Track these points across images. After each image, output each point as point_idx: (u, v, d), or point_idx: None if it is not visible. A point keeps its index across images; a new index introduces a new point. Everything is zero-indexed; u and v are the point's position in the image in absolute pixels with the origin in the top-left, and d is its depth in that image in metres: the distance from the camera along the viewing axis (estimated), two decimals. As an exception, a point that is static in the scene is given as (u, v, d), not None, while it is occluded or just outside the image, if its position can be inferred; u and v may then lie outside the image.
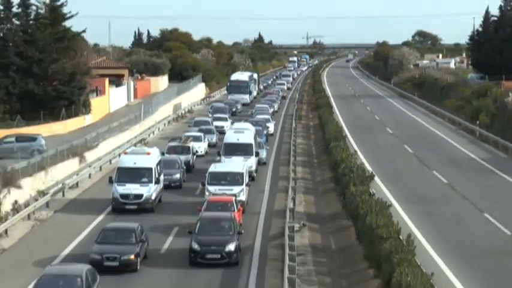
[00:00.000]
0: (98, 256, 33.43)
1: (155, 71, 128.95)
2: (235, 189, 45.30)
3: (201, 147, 65.76)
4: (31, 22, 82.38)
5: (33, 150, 57.73)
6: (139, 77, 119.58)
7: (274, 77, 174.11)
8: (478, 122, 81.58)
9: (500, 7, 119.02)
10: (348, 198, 42.92)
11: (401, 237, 33.05)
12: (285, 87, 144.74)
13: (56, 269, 29.69)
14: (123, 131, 73.63)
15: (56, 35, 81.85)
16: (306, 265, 35.76)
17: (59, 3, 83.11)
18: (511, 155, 67.18)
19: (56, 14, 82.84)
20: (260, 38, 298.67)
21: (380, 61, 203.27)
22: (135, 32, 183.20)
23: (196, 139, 65.88)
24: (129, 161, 46.83)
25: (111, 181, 46.15)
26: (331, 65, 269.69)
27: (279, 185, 54.04)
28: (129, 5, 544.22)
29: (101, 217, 43.93)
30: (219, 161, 54.62)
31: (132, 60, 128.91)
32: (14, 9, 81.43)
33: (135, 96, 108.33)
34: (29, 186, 48.35)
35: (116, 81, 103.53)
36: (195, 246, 34.94)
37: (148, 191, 45.21)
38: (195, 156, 60.55)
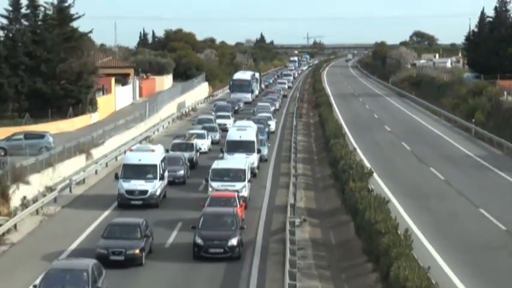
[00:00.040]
0: (104, 250, 33.43)
1: (160, 71, 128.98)
2: (238, 185, 45.30)
3: (204, 144, 65.77)
4: (39, 23, 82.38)
5: (41, 147, 57.78)
6: (145, 76, 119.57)
7: (276, 76, 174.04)
8: (473, 120, 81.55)
9: (496, 8, 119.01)
10: (347, 194, 42.90)
11: (399, 232, 33.02)
12: (286, 86, 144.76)
13: (63, 263, 29.66)
14: (129, 129, 73.63)
15: (64, 35, 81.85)
16: (307, 259, 35.74)
17: (66, 4, 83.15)
18: (505, 152, 67.14)
19: (63, 15, 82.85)
20: (262, 38, 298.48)
21: (378, 61, 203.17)
22: (140, 33, 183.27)
23: (200, 136, 65.89)
24: (135, 158, 46.81)
25: (117, 177, 46.11)
26: (331, 65, 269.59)
27: (280, 181, 54.02)
28: (134, 6, 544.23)
29: (107, 212, 43.93)
30: (222, 157, 54.58)
31: (138, 59, 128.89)
32: (23, 11, 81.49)
33: (141, 95, 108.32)
34: (37, 182, 48.34)
35: (122, 80, 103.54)
36: (199, 240, 34.92)
37: (153, 187, 45.19)
38: (198, 153, 60.51)
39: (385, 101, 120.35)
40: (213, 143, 68.85)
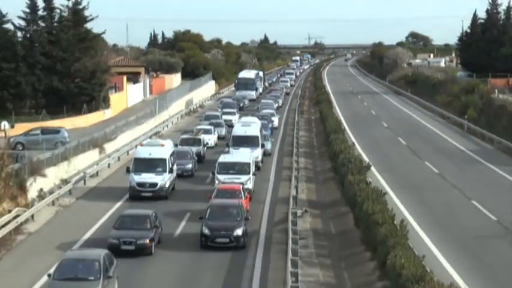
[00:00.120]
0: (115, 240, 33.39)
1: (169, 69, 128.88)
2: (243, 178, 45.24)
3: (211, 139, 65.70)
4: (55, 24, 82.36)
5: (57, 142, 57.81)
6: (155, 75, 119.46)
7: (279, 75, 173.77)
8: (466, 116, 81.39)
9: (487, 10, 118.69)
10: (347, 186, 42.85)
11: (395, 222, 32.96)
12: (289, 84, 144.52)
13: (76, 253, 29.62)
14: (140, 125, 73.59)
15: (78, 36, 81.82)
16: (308, 248, 35.69)
17: (80, 6, 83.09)
18: (496, 146, 67.02)
19: (78, 17, 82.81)
20: (266, 39, 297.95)
21: (376, 60, 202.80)
22: (150, 34, 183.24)
23: (207, 132, 65.82)
24: (145, 152, 46.77)
25: (128, 171, 46.07)
26: (331, 64, 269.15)
27: (283, 174, 53.95)
28: (145, 8, 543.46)
29: (119, 204, 43.90)
30: (228, 152, 54.47)
31: (148, 59, 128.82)
32: (40, 13, 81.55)
33: (151, 93, 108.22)
34: (53, 175, 48.33)
35: (133, 78, 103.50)
36: (206, 231, 34.87)
37: (163, 179, 45.16)
38: (205, 148, 60.43)
39: (382, 99, 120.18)
40: (219, 138, 68.81)
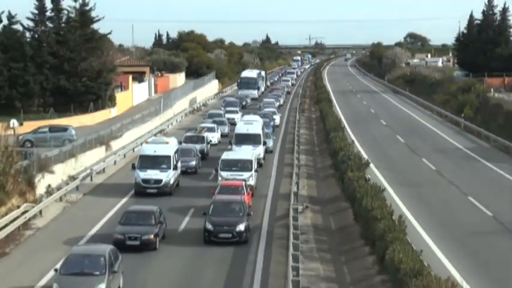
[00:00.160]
0: (121, 236, 33.37)
1: (173, 69, 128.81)
2: (245, 174, 45.24)
3: (214, 137, 65.69)
4: (63, 25, 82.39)
5: (64, 140, 57.86)
6: (159, 74, 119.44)
7: (280, 74, 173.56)
8: (462, 114, 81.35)
9: (483, 12, 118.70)
10: (346, 183, 42.80)
11: (393, 218, 32.92)
12: (290, 84, 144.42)
13: (82, 249, 29.58)
14: (145, 123, 73.56)
15: (85, 36, 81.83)
16: (309, 243, 35.67)
17: (87, 8, 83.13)
18: (492, 144, 66.95)
19: (85, 18, 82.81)
20: (268, 39, 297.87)
21: (375, 60, 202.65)
22: (155, 34, 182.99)
23: (210, 130, 65.83)
24: (150, 149, 46.78)
25: (133, 167, 46.08)
26: (331, 64, 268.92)
27: (284, 171, 53.91)
28: (150, 9, 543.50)
29: (124, 200, 43.89)
30: (231, 149, 54.47)
31: (153, 59, 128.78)
32: (48, 14, 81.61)
33: (156, 91, 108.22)
34: (60, 172, 48.33)
35: (138, 77, 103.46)
36: (209, 226, 34.84)
37: (167, 176, 45.14)
38: (209, 145, 60.45)
39: (381, 97, 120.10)
40: (222, 135, 68.78)
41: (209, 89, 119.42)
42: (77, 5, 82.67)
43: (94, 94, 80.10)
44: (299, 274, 28.45)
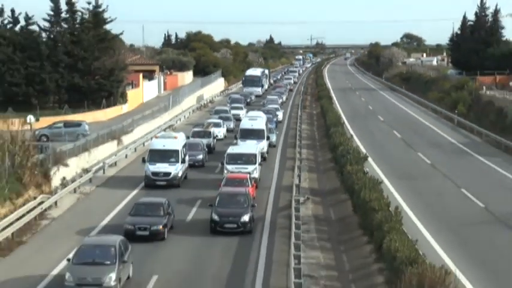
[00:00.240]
0: (131, 226, 33.34)
1: (182, 67, 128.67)
2: (250, 167, 45.19)
3: (220, 132, 65.64)
4: (77, 26, 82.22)
5: (78, 134, 57.80)
6: (168, 73, 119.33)
7: (283, 73, 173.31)
8: (456, 111, 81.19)
9: (476, 13, 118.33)
10: (345, 175, 42.76)
11: (390, 209, 32.87)
12: (292, 81, 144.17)
13: (93, 239, 29.53)
14: (155, 118, 73.52)
15: (98, 36, 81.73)
16: (310, 232, 35.63)
17: (100, 9, 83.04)
18: (484, 139, 66.83)
19: (98, 19, 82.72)
20: (271, 40, 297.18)
21: (373, 59, 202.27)
22: (164, 34, 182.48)
23: (217, 125, 65.78)
24: (159, 144, 46.77)
25: (144, 161, 46.11)
26: (331, 63, 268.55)
27: (287, 165, 53.86)
28: (160, 11, 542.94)
29: (135, 191, 43.87)
30: (236, 143, 54.42)
31: (162, 58, 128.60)
32: (63, 15, 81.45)
33: (165, 89, 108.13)
34: (74, 165, 48.31)
35: (149, 76, 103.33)
36: (215, 217, 34.80)
37: (176, 169, 45.12)
38: (215, 140, 60.39)
39: (379, 95, 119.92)
40: (228, 131, 68.74)
41: (215, 86, 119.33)
42: (90, 7, 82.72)
43: (106, 91, 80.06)
44: (300, 262, 28.42)
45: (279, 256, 31.42)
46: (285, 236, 34.13)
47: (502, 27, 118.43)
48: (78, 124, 61.35)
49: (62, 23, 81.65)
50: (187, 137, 54.17)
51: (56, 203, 40.10)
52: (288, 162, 54.92)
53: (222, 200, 35.99)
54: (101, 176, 48.58)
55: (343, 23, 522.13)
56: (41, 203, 38.17)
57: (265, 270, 29.59)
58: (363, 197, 34.98)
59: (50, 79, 76.52)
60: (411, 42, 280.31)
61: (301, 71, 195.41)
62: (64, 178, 44.47)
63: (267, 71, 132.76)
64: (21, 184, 39.38)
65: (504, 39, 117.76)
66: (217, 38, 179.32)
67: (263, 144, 54.47)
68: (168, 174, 44.78)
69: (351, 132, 68.78)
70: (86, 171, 47.78)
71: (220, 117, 71.06)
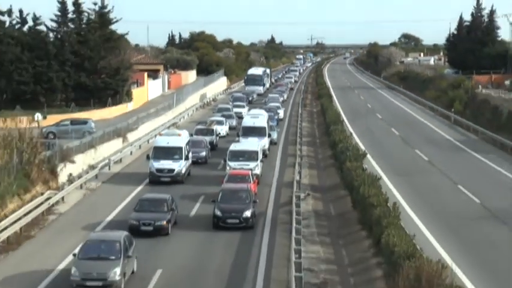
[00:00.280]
0: (135, 222, 33.31)
1: (185, 67, 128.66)
2: (252, 164, 45.12)
3: (223, 129, 65.59)
4: (83, 26, 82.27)
5: (84, 132, 57.84)
6: (172, 72, 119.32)
7: (284, 72, 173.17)
8: (453, 109, 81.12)
9: (472, 14, 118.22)
10: (345, 172, 42.72)
11: (388, 204, 32.84)
12: (293, 80, 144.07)
13: (98, 235, 29.47)
14: (159, 116, 73.49)
15: (104, 36, 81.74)
16: (310, 227, 35.60)
17: (106, 10, 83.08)
18: (480, 136, 66.78)
19: (103, 19, 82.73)
20: (272, 39, 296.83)
21: (372, 58, 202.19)
22: (169, 34, 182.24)
23: (219, 123, 65.70)
24: (163, 141, 46.74)
25: (148, 158, 46.05)
26: (331, 62, 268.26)
27: (288, 161, 53.82)
28: (164, 11, 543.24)
29: (140, 187, 43.84)
30: (238, 141, 54.34)
31: (167, 57, 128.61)
32: (70, 15, 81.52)
33: (169, 88, 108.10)
34: (81, 161, 48.31)
35: (153, 75, 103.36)
36: (218, 212, 34.78)
37: (179, 166, 45.11)
38: (218, 137, 60.33)
39: (377, 93, 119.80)
40: (230, 128, 68.69)
41: (218, 85, 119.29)
42: (97, 8, 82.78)
43: (112, 90, 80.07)
44: (301, 256, 28.39)
45: (280, 250, 31.40)
46: (286, 230, 34.10)
47: (498, 28, 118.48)
48: (84, 122, 61.37)
49: (69, 23, 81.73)
50: (191, 135, 54.07)
51: (63, 198, 40.10)
52: (288, 159, 54.87)
53: (224, 196, 35.96)
54: (107, 173, 48.56)
55: (342, 24, 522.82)
56: (48, 198, 38.18)
57: (267, 264, 29.58)
58: (362, 193, 34.94)
59: (57, 78, 76.55)
60: (409, 42, 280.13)
61: (301, 70, 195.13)
62: (71, 174, 44.48)
63: (268, 70, 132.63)
64: (29, 180, 39.40)
65: (499, 39, 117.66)
66: (220, 38, 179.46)
67: (264, 142, 54.43)
68: (172, 170, 44.76)
69: (350, 129, 68.72)
70: (92, 167, 47.77)
71: (222, 115, 71.02)
